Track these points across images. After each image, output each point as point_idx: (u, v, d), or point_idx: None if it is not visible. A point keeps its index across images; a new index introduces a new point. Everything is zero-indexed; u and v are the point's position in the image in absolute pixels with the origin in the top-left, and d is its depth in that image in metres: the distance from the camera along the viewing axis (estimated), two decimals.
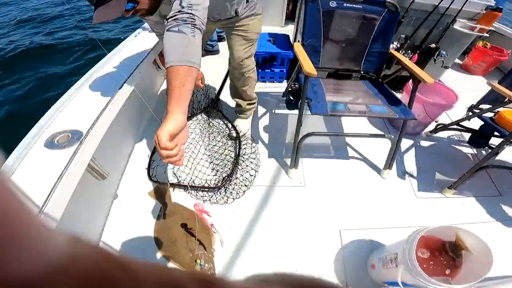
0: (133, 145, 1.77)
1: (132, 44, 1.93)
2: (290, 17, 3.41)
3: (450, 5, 1.94)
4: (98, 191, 1.38)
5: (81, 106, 1.32)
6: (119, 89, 1.43)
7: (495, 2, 2.13)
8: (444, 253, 1.02)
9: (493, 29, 2.11)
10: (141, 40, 2.00)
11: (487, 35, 2.16)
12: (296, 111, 1.52)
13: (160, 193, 1.50)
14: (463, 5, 1.95)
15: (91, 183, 1.26)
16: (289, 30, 3.24)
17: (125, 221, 1.38)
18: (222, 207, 1.45)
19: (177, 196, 1.49)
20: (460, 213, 1.55)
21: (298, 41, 1.68)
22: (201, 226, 1.33)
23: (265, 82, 2.47)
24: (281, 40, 2.43)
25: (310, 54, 1.66)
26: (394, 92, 1.64)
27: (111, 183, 1.49)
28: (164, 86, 2.35)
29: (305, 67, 1.34)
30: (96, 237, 1.31)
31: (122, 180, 1.58)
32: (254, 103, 1.90)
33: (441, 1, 1.92)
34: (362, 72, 1.78)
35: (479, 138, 1.69)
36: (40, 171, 1.00)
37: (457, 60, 3.29)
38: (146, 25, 2.20)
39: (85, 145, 1.13)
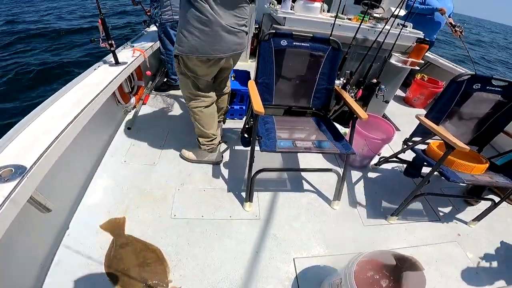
0: (85, 176, 1.77)
1: (90, 77, 1.94)
2: (253, 53, 3.60)
3: (384, 39, 2.11)
4: (43, 224, 1.35)
5: (28, 141, 1.31)
6: (70, 123, 1.43)
7: (423, 34, 2.30)
8: (387, 276, 1.09)
9: (422, 62, 2.29)
10: (100, 73, 2.02)
11: (418, 68, 2.31)
12: (249, 148, 1.62)
13: (113, 226, 1.51)
14: (396, 39, 2.11)
15: (34, 216, 1.25)
16: (253, 65, 3.43)
17: (75, 254, 1.36)
18: (178, 239, 1.48)
19: (132, 229, 1.50)
20: (403, 238, 1.70)
21: (255, 77, 1.81)
22: (155, 256, 1.36)
23: (226, 118, 2.54)
24: (242, 76, 2.55)
25: (264, 92, 1.80)
26: (338, 128, 1.81)
27: (58, 215, 1.47)
28: (121, 121, 2.38)
29: (254, 105, 1.45)
30: (41, 270, 1.27)
31: (74, 212, 1.56)
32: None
33: (378, 35, 2.11)
34: (312, 108, 1.93)
35: (412, 170, 1.88)
36: None
37: (401, 93, 3.65)
38: (107, 58, 2.24)
39: (28, 179, 1.12)
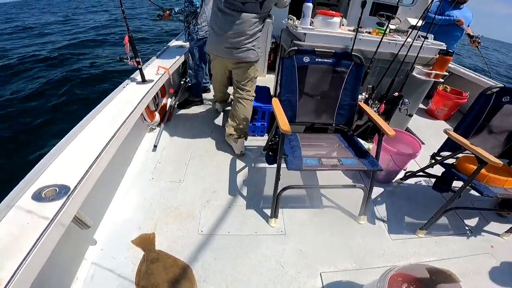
0: (115, 193, 1.83)
1: (120, 96, 2.03)
2: (271, 67, 3.63)
3: (407, 52, 2.06)
4: (81, 239, 1.41)
5: (69, 160, 1.37)
6: (108, 143, 1.49)
7: (445, 45, 2.27)
8: None
9: (447, 74, 2.25)
10: (129, 92, 2.11)
11: (442, 80, 2.28)
12: (275, 165, 1.64)
13: (144, 241, 1.55)
14: (418, 52, 2.09)
15: (74, 232, 1.29)
16: (271, 79, 3.47)
17: (107, 268, 1.40)
18: (205, 255, 1.50)
19: (161, 244, 1.54)
20: (434, 251, 1.67)
21: (278, 94, 1.83)
22: (184, 272, 1.39)
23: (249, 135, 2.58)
24: (262, 93, 2.58)
25: (287, 109, 1.82)
26: (363, 144, 1.80)
27: (92, 231, 1.52)
28: (147, 138, 2.45)
29: (281, 125, 1.47)
30: (76, 284, 1.31)
31: (106, 228, 1.62)
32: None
33: (400, 49, 2.08)
34: (334, 125, 1.94)
35: (442, 184, 1.83)
36: (25, 222, 1.04)
37: (423, 106, 3.58)
38: (134, 75, 2.33)
39: (73, 199, 1.18)
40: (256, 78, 2.28)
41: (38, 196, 1.17)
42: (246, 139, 2.34)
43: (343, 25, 2.37)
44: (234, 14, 1.88)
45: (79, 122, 1.64)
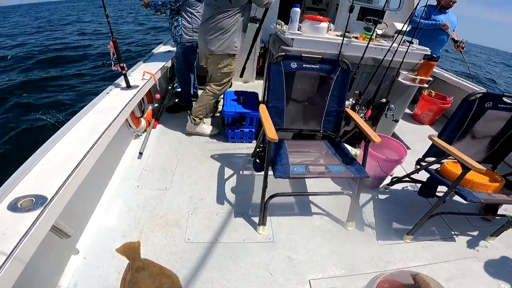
0: (99, 201, 1.79)
1: (103, 102, 1.97)
2: (259, 72, 3.62)
3: (393, 58, 2.07)
4: (62, 248, 1.37)
5: (47, 169, 1.32)
6: (89, 152, 1.44)
7: (431, 50, 2.28)
8: None
9: (431, 79, 2.26)
10: (112, 98, 2.06)
11: (427, 85, 2.27)
12: (263, 173, 1.62)
13: (129, 249, 1.51)
14: (404, 57, 2.08)
15: (55, 241, 1.25)
16: (260, 85, 3.46)
17: (90, 277, 1.37)
18: (192, 263, 1.48)
19: (147, 253, 1.51)
20: (420, 256, 1.68)
21: (265, 101, 1.82)
22: (171, 281, 1.36)
23: (235, 142, 2.57)
24: (250, 99, 2.57)
25: (275, 115, 1.81)
26: (350, 151, 1.81)
27: (74, 240, 1.48)
28: (132, 145, 2.41)
29: (268, 133, 1.46)
30: None
31: (89, 236, 1.57)
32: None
33: (386, 54, 2.09)
34: (322, 131, 1.94)
35: (427, 190, 1.86)
36: (1, 233, 1.00)
37: (409, 110, 3.63)
38: (118, 81, 2.28)
39: (50, 209, 1.14)
40: (228, 74, 2.37)
41: (14, 207, 1.13)
42: (196, 123, 2.52)
43: (330, 30, 2.38)
44: (210, 7, 2.08)
45: (58, 130, 1.58)
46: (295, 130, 1.94)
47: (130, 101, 2.02)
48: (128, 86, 2.24)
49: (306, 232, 1.74)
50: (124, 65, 2.14)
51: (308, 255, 1.60)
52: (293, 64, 1.76)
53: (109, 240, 1.55)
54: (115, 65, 2.12)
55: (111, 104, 1.95)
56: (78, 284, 1.33)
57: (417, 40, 2.33)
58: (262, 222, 1.70)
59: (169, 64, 2.94)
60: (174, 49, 3.15)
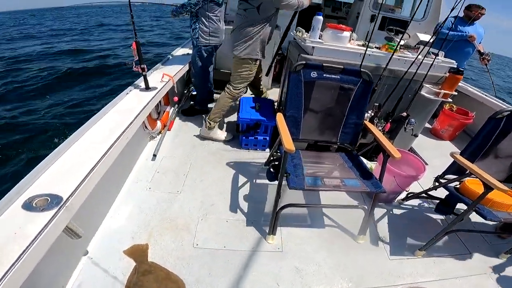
0: (111, 204, 1.80)
1: (122, 103, 2.00)
2: (276, 78, 3.60)
3: (417, 70, 2.00)
4: (71, 248, 1.37)
5: (64, 169, 1.33)
6: (106, 153, 1.45)
7: (456, 63, 2.19)
8: None
9: (455, 93, 2.18)
10: (132, 99, 2.09)
11: (450, 100, 2.21)
12: (276, 182, 1.60)
13: (137, 252, 1.51)
14: (428, 70, 2.02)
15: (64, 241, 1.25)
16: (276, 92, 3.44)
17: (96, 277, 1.37)
18: (199, 269, 1.47)
19: (155, 256, 1.50)
20: (431, 271, 1.64)
21: (282, 109, 1.80)
22: (176, 286, 1.34)
23: (249, 150, 2.54)
24: (266, 106, 2.54)
25: (291, 125, 1.78)
26: (366, 165, 1.76)
27: (83, 239, 1.45)
28: (147, 146, 2.43)
29: (285, 143, 1.43)
30: None
31: (99, 237, 1.58)
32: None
33: (410, 66, 2.02)
34: (338, 143, 1.90)
35: (444, 207, 1.80)
36: (13, 232, 1.00)
37: (427, 125, 3.52)
38: (138, 82, 2.31)
39: (65, 210, 1.14)
40: (246, 79, 2.46)
41: (28, 206, 1.14)
42: (210, 127, 2.53)
43: (352, 39, 2.33)
44: (240, 16, 2.26)
45: (82, 126, 1.62)
46: (310, 140, 1.91)
47: (148, 103, 2.04)
48: (147, 88, 2.26)
49: (316, 244, 1.71)
50: (145, 66, 2.17)
51: (316, 266, 1.57)
52: (313, 73, 1.72)
53: (117, 241, 1.56)
54: (136, 65, 2.15)
55: (130, 105, 1.97)
56: (82, 285, 1.33)
57: (443, 52, 2.25)
58: (272, 232, 1.67)
59: (186, 67, 2.96)
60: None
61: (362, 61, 2.02)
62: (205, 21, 2.50)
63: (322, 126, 1.87)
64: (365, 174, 1.66)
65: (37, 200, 1.17)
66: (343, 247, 1.71)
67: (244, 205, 1.93)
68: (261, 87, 2.95)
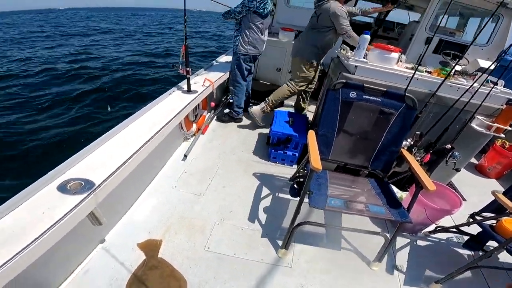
0: (137, 197, 1.88)
1: (165, 102, 2.13)
2: (314, 95, 3.52)
3: (470, 99, 1.82)
4: (89, 233, 1.44)
5: (102, 157, 1.44)
6: (142, 147, 1.56)
7: None
8: None
9: (510, 128, 1.96)
10: (174, 99, 2.21)
11: (503, 135, 2.01)
12: (297, 198, 1.56)
13: (149, 246, 1.56)
14: (484, 100, 1.84)
15: (85, 226, 1.32)
16: (312, 109, 3.41)
17: (104, 266, 1.42)
18: (205, 271, 1.48)
19: (165, 253, 1.54)
20: None
21: (315, 127, 1.76)
22: (178, 285, 1.37)
23: (276, 163, 2.51)
24: (300, 122, 2.50)
25: (322, 144, 1.72)
26: (396, 194, 1.66)
27: (105, 229, 1.56)
28: (180, 146, 2.52)
29: (312, 161, 1.39)
30: (68, 275, 1.33)
31: (118, 226, 1.65)
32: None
33: (463, 94, 1.84)
34: (369, 169, 1.80)
35: (475, 243, 1.69)
36: (41, 212, 1.09)
37: (473, 160, 3.17)
38: (181, 84, 2.43)
39: (94, 195, 1.22)
40: (304, 79, 2.74)
41: (63, 188, 1.24)
42: (265, 111, 2.84)
43: (401, 61, 2.21)
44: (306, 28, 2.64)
45: (125, 120, 1.76)
46: (340, 162, 1.83)
47: (188, 104, 2.14)
48: (189, 90, 2.37)
49: (326, 265, 1.64)
50: (190, 69, 2.28)
51: (322, 287, 1.50)
52: (353, 93, 1.65)
53: (134, 234, 1.62)
54: (182, 68, 2.26)
55: (171, 105, 2.09)
56: (90, 271, 1.39)
57: (503, 82, 2.04)
58: (285, 246, 1.64)
59: (227, 74, 3.04)
60: None
61: (408, 85, 1.89)
62: (246, 30, 2.57)
63: (354, 149, 1.79)
64: (393, 202, 1.56)
65: (72, 184, 1.27)
66: (354, 272, 1.63)
67: (262, 216, 1.91)
68: (305, 101, 3.02)
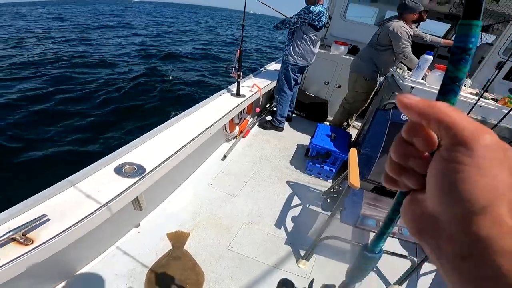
0: (175, 189, 1.98)
1: (214, 102, 2.25)
2: (361, 113, 3.39)
3: None
4: (128, 218, 1.54)
5: (156, 146, 1.57)
6: (189, 143, 1.67)
7: None
8: None
9: None
10: (223, 100, 2.33)
11: None
12: (327, 212, 1.52)
13: (177, 237, 1.63)
14: None
15: (127, 210, 1.41)
16: (357, 126, 3.29)
17: (131, 250, 1.51)
18: (224, 270, 1.50)
19: (190, 246, 1.60)
20: None
21: (358, 145, 1.69)
22: (196, 279, 1.41)
23: (311, 175, 2.46)
24: (342, 139, 2.41)
25: (363, 163, 1.64)
26: None
27: (141, 214, 1.64)
28: (221, 146, 2.60)
29: (351, 179, 1.34)
30: (97, 255, 1.42)
31: (153, 214, 1.75)
32: None
33: None
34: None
35: None
36: (97, 190, 1.20)
37: None
38: (231, 87, 2.54)
39: (144, 181, 1.32)
40: (359, 95, 2.63)
41: (119, 170, 1.36)
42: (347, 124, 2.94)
43: (464, 85, 2.04)
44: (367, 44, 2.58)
45: (175, 116, 1.90)
46: (378, 184, 1.73)
47: (235, 107, 2.22)
48: (237, 94, 2.45)
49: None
50: (241, 73, 2.35)
51: None
52: (404, 116, 1.55)
53: (166, 223, 1.71)
54: (234, 71, 2.34)
55: (220, 106, 2.20)
56: (118, 253, 1.47)
57: None
58: (306, 257, 1.60)
59: (275, 83, 3.07)
60: None
61: (468, 112, 1.72)
62: (298, 41, 2.56)
63: None
64: None
65: (127, 167, 1.39)
66: None
67: (289, 225, 1.89)
68: (352, 117, 2.93)
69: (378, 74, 2.52)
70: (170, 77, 6.75)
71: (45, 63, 7.20)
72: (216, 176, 2.20)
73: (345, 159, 2.19)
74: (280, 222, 1.89)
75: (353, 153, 1.59)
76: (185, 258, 1.51)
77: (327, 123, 3.03)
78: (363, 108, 2.87)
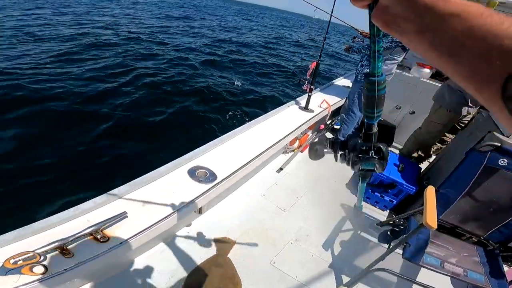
0: (228, 195, 1.97)
1: (282, 114, 2.27)
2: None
3: None
4: (183, 220, 1.55)
5: (227, 152, 1.62)
6: (258, 156, 1.71)
7: None
8: None
9: None
10: (290, 113, 2.34)
11: None
12: (382, 243, 1.49)
13: (223, 244, 1.64)
14: None
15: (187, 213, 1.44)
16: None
17: (178, 249, 1.54)
18: (262, 284, 1.48)
19: (233, 254, 1.60)
20: None
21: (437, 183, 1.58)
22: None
23: (367, 202, 2.29)
24: (410, 170, 2.18)
25: (438, 201, 1.50)
26: (503, 267, 1.42)
27: (195, 215, 1.68)
28: (279, 158, 2.56)
29: (428, 217, 1.23)
30: (147, 252, 1.47)
31: (205, 219, 1.76)
32: None
33: None
34: (482, 238, 1.55)
35: None
36: (172, 191, 1.26)
37: None
38: (300, 99, 2.51)
39: (215, 190, 1.35)
40: (434, 126, 2.41)
41: (192, 173, 1.42)
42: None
43: None
44: None
45: (247, 123, 1.97)
46: (449, 224, 1.59)
47: (304, 123, 2.22)
48: (306, 108, 2.42)
49: None
50: (313, 87, 2.31)
51: None
52: (503, 161, 1.38)
53: (214, 228, 1.72)
54: (306, 84, 2.31)
55: (288, 119, 2.21)
56: (163, 252, 1.50)
57: None
58: (349, 285, 1.52)
59: (343, 100, 2.91)
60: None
61: None
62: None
63: (472, 215, 1.55)
64: (496, 273, 1.35)
65: (200, 171, 1.45)
66: None
67: (337, 249, 1.81)
68: (430, 155, 2.74)
69: (467, 108, 2.27)
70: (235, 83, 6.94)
71: None
72: (270, 188, 2.18)
73: (410, 193, 1.99)
74: (327, 245, 1.81)
75: (430, 191, 1.45)
76: (227, 266, 1.51)
77: (395, 151, 2.82)
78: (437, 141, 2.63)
